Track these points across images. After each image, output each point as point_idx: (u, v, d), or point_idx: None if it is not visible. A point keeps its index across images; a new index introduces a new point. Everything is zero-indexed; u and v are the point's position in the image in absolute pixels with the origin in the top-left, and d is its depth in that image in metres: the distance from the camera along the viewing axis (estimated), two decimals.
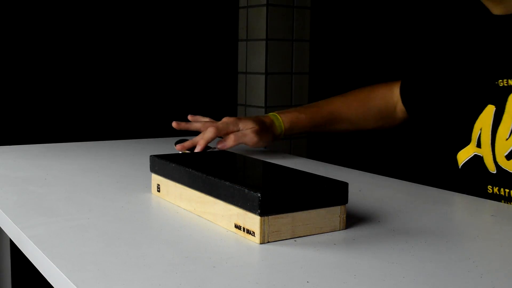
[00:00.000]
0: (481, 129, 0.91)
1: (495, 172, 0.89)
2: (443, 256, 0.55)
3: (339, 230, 0.62)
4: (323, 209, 0.60)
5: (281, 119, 1.11)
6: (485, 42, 0.94)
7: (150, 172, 0.78)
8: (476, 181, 0.93)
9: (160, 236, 0.60)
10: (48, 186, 0.83)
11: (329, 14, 2.28)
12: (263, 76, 2.26)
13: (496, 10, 0.92)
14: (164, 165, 0.74)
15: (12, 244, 1.18)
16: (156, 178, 0.77)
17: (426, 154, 1.81)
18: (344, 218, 0.62)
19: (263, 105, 2.26)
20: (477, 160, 0.93)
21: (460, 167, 0.97)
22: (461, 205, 0.79)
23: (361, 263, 0.52)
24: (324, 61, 2.31)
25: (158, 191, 0.77)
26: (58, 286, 0.49)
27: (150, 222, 0.67)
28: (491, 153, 0.89)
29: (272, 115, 1.12)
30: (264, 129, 1.07)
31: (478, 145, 0.92)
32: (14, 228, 0.63)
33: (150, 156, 0.78)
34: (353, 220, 0.66)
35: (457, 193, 0.84)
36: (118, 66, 2.06)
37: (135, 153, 1.13)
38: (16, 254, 0.95)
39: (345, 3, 2.19)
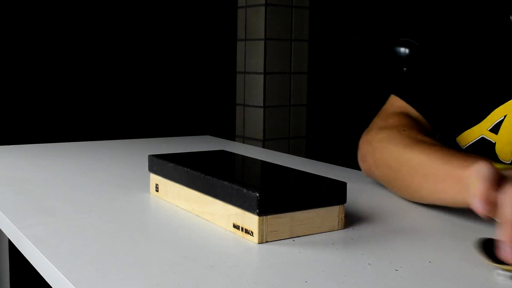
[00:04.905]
0: (505, 116, 0.88)
1: (509, 162, 0.87)
2: (442, 256, 0.55)
3: (338, 229, 0.62)
4: (322, 208, 0.60)
5: None
6: None
7: (149, 172, 0.78)
8: None
9: (158, 236, 0.60)
10: (46, 186, 0.83)
11: (328, 14, 2.28)
12: (262, 76, 2.26)
13: None
14: (163, 165, 0.74)
15: (11, 244, 1.18)
16: (154, 178, 0.77)
17: None
18: (343, 217, 0.62)
19: (262, 105, 2.26)
20: (485, 144, 0.89)
21: (464, 148, 0.92)
22: None
23: (359, 263, 0.52)
24: (322, 61, 2.31)
25: (157, 191, 0.77)
26: (56, 286, 0.49)
27: (149, 222, 0.67)
28: (511, 142, 0.87)
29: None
30: None
31: (494, 130, 0.89)
32: (12, 228, 0.63)
33: (149, 155, 0.78)
34: (352, 219, 0.66)
35: None
36: (117, 65, 2.06)
37: (133, 153, 1.13)
38: (15, 254, 0.95)
39: (343, 3, 2.20)
